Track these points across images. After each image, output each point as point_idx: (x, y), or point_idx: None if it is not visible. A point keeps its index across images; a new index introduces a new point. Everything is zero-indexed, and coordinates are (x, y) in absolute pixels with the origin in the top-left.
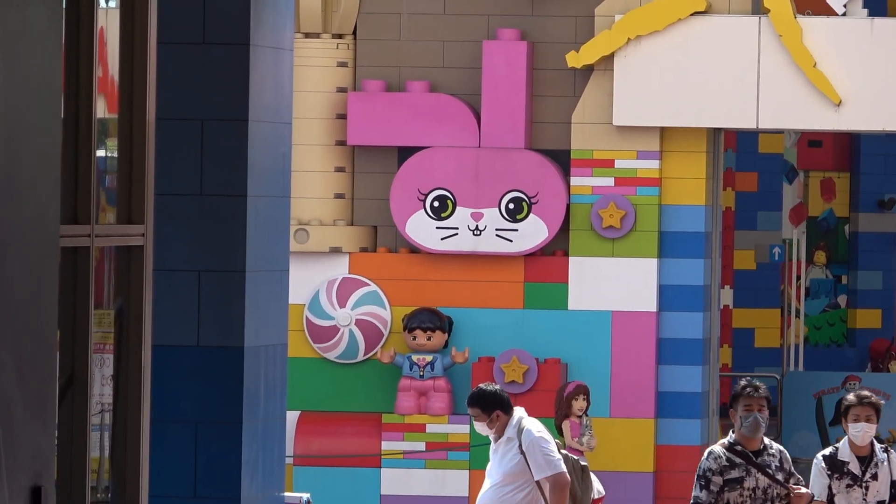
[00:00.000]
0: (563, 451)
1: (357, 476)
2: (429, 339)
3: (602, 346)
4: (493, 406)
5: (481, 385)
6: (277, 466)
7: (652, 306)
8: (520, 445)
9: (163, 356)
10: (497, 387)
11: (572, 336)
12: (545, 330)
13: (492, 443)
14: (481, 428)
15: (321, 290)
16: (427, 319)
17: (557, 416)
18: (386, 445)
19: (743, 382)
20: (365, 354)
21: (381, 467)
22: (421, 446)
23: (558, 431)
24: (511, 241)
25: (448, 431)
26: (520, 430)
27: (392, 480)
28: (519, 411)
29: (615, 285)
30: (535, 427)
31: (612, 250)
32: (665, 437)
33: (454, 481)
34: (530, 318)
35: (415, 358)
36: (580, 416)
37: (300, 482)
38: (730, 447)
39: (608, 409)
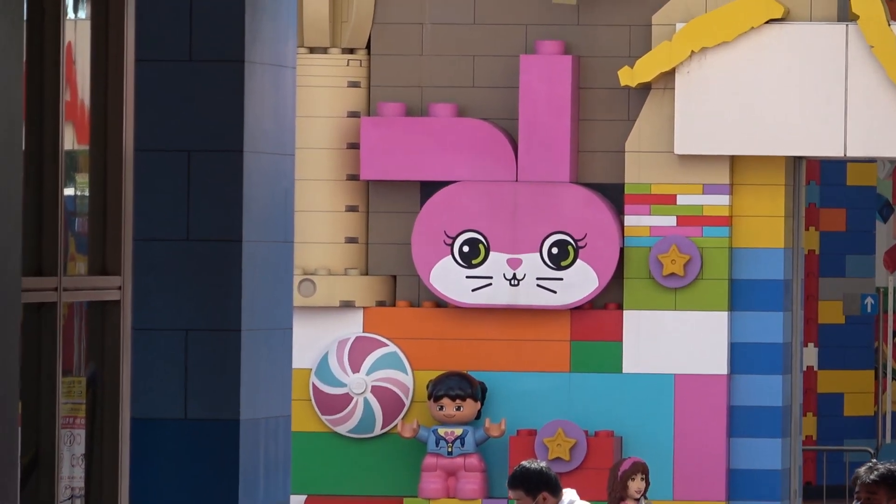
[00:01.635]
0: None
1: None
2: (458, 408)
3: (663, 415)
4: (539, 487)
5: (524, 462)
6: None
7: (722, 368)
8: None
9: (144, 432)
10: (543, 464)
11: (628, 404)
12: (596, 397)
13: None
14: None
15: (331, 351)
16: (456, 386)
17: (611, 498)
18: None
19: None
20: (383, 428)
21: None
22: None
23: None
24: (555, 292)
25: None
26: None
27: None
28: (569, 494)
29: (678, 344)
30: None
31: (674, 302)
32: None
33: None
34: (578, 383)
35: (442, 431)
36: (637, 500)
37: None
38: None
39: (671, 490)
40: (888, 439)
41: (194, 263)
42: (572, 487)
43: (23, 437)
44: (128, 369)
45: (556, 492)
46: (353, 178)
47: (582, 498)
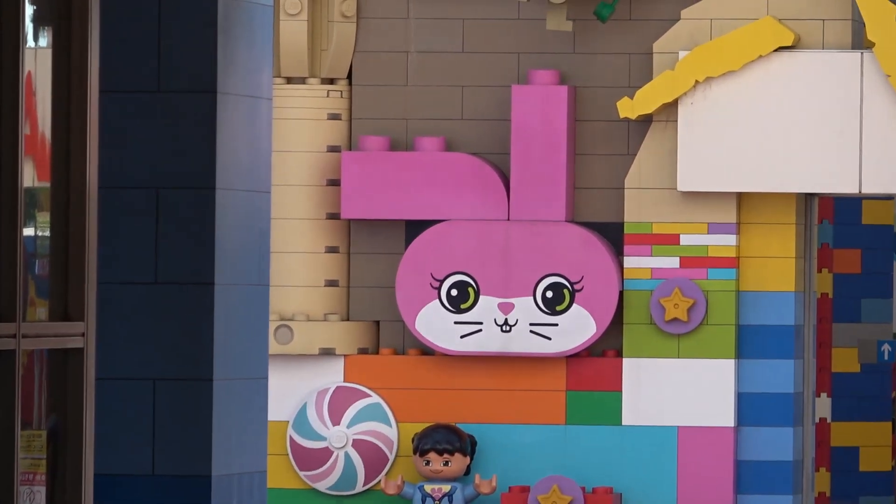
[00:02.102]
0: None
1: None
2: (446, 463)
3: (666, 471)
4: None
5: None
6: None
7: (729, 420)
8: None
9: (108, 489)
10: None
11: (628, 459)
12: (593, 451)
13: None
14: None
15: (309, 402)
16: (443, 439)
17: None
18: None
19: None
20: (365, 484)
21: None
22: None
23: None
24: (549, 338)
25: None
26: None
27: None
28: None
29: (682, 394)
30: None
31: (677, 349)
32: None
33: None
34: (574, 435)
35: (429, 488)
36: None
37: None
38: None
39: None
40: None
41: (163, 308)
42: None
43: None
44: (91, 422)
45: None
46: (334, 216)
47: None
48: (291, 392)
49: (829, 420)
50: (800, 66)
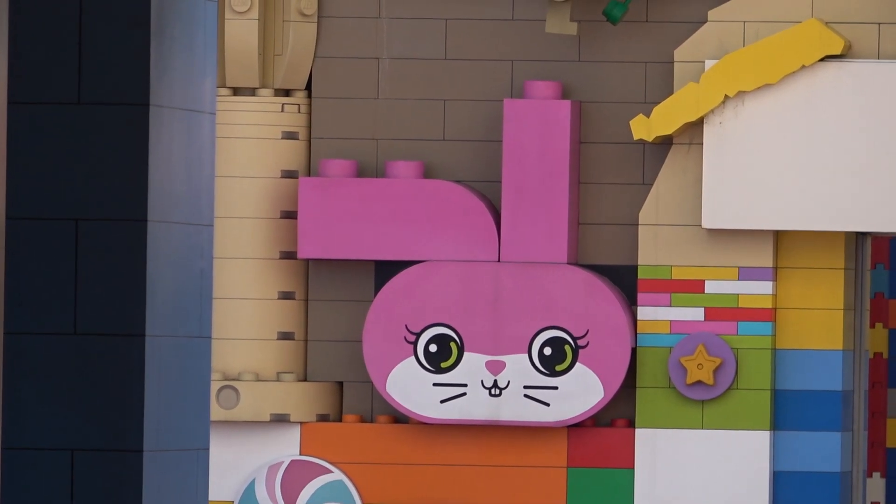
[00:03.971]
0: None
1: None
2: None
3: None
4: None
5: None
6: None
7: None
8: None
9: None
10: None
11: None
12: None
13: None
14: None
15: (258, 479)
16: None
17: None
18: None
19: None
20: None
21: None
22: None
23: None
24: (548, 404)
25: None
26: None
27: None
28: None
29: (706, 472)
30: None
31: (700, 419)
32: None
33: None
34: None
35: None
36: None
37: None
38: None
39: None
40: None
41: (83, 364)
42: None
43: None
44: None
45: None
46: (289, 255)
47: None
48: (237, 466)
49: None
50: (850, 79)
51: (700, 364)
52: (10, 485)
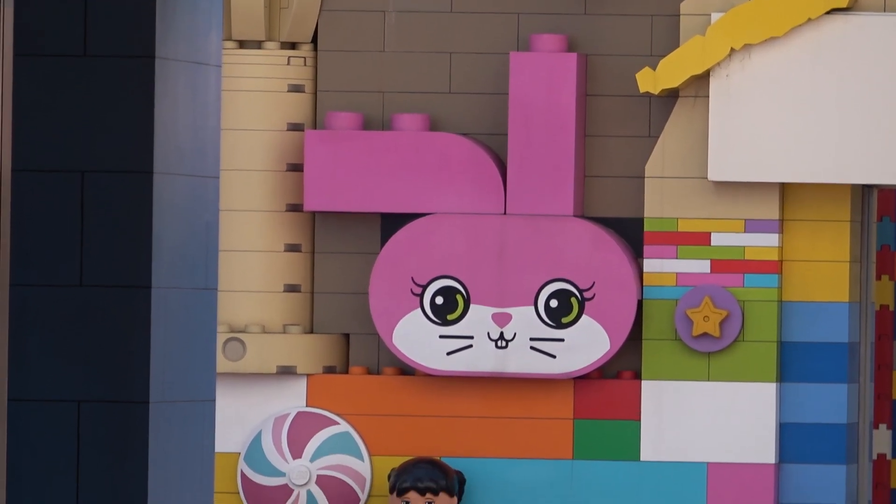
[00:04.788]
0: None
1: None
2: None
3: None
4: None
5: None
6: None
7: (769, 456)
8: None
9: None
10: None
11: (647, 501)
12: (606, 492)
13: None
14: None
15: (265, 431)
16: (426, 476)
17: None
18: None
19: None
20: None
21: None
22: None
23: None
24: (554, 356)
25: None
26: None
27: None
28: None
29: (712, 424)
30: None
31: (707, 371)
32: None
33: None
34: (583, 473)
35: None
36: None
37: None
38: None
39: None
40: None
41: (89, 316)
42: None
43: None
44: (2, 452)
45: None
46: (295, 208)
47: None
48: (243, 418)
49: (888, 457)
50: (857, 32)
51: (706, 316)
52: (16, 436)
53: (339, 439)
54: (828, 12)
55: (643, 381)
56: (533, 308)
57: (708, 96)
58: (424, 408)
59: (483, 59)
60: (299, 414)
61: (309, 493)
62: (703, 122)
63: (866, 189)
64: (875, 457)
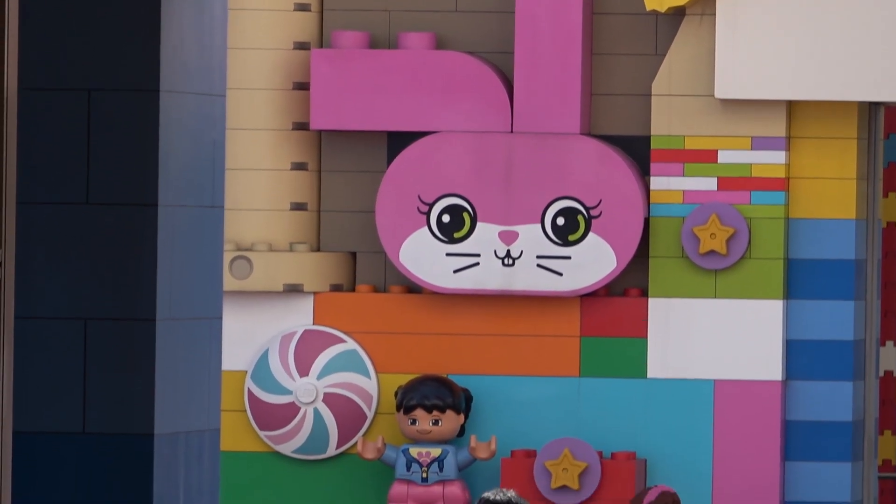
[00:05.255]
0: None
1: None
2: (436, 422)
3: (699, 433)
4: None
5: (486, 494)
6: None
7: (776, 373)
8: None
9: (30, 449)
10: (511, 493)
11: (654, 418)
12: (613, 409)
13: None
14: None
15: (272, 349)
16: (433, 394)
17: None
18: None
19: None
20: (338, 447)
21: None
22: None
23: None
24: (561, 274)
25: None
26: None
27: None
28: None
29: (719, 341)
30: None
31: (713, 288)
32: None
33: None
34: (590, 390)
35: (414, 452)
36: None
37: None
38: None
39: None
40: None
41: (96, 234)
42: None
43: None
44: (10, 369)
45: None
46: (302, 127)
47: None
48: (250, 336)
49: (895, 374)
50: None
51: (713, 233)
52: (23, 354)
53: (346, 357)
54: None
55: (650, 299)
56: (540, 226)
57: (714, 14)
58: (431, 326)
59: None
60: (306, 332)
61: (316, 411)
62: (710, 40)
63: (873, 106)
64: (882, 374)
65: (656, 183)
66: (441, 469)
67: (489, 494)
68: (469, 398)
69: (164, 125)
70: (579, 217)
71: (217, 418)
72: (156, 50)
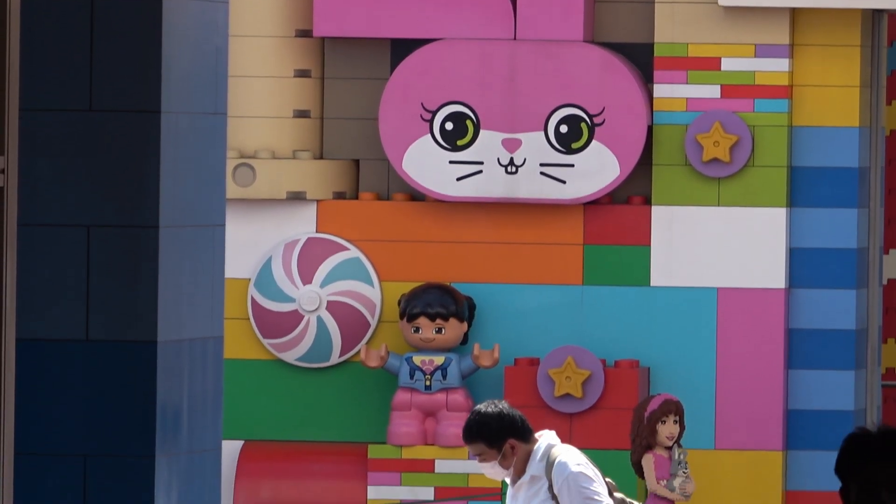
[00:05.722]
0: (619, 494)
1: None
2: (439, 331)
3: (702, 341)
4: (503, 434)
5: (478, 407)
6: None
7: (779, 281)
8: (550, 487)
9: (33, 356)
10: (503, 405)
11: (657, 326)
12: (616, 317)
13: (509, 486)
14: (492, 470)
15: (275, 257)
16: (436, 302)
17: (635, 446)
18: (374, 493)
19: None
20: (341, 355)
21: None
22: (429, 494)
23: (636, 470)
24: (564, 182)
25: (468, 471)
26: (549, 465)
27: None
28: (547, 437)
29: (722, 249)
30: (573, 458)
31: (717, 196)
32: (800, 480)
33: None
34: (593, 298)
35: (418, 360)
36: (669, 448)
37: None
38: None
39: (712, 436)
40: None
41: (99, 141)
42: (584, 431)
43: None
44: (13, 276)
45: (526, 436)
46: (305, 33)
47: (598, 446)
48: (253, 244)
49: None
50: None
51: (716, 141)
52: (26, 261)
53: (349, 265)
54: None
55: (653, 207)
56: (543, 133)
57: None
58: (434, 234)
59: None
60: (309, 240)
61: (319, 319)
62: None
63: (877, 13)
64: (885, 282)
65: (660, 90)
66: (444, 377)
67: (481, 407)
68: (472, 306)
69: (167, 31)
70: (582, 125)
71: (220, 326)
72: None
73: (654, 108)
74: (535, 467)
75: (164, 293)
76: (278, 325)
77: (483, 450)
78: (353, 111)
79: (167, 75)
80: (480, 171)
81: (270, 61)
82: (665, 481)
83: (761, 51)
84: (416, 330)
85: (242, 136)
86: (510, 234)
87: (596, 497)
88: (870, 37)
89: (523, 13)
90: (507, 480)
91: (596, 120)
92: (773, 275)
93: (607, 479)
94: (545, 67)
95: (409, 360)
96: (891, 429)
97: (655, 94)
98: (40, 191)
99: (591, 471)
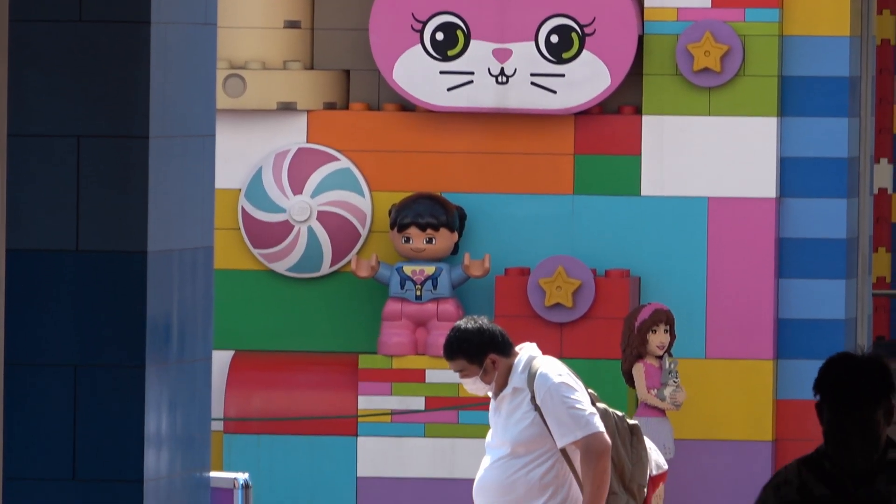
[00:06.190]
0: (601, 405)
1: (321, 448)
2: (429, 240)
3: (693, 250)
4: (484, 349)
5: (458, 323)
6: (199, 433)
7: (769, 190)
8: (532, 398)
9: (23, 267)
10: (483, 320)
11: (648, 236)
12: (607, 226)
13: (491, 400)
14: (473, 385)
15: (265, 167)
16: (426, 212)
17: (626, 355)
18: (365, 402)
19: None
20: (332, 265)
21: (357, 435)
22: (419, 403)
23: (627, 379)
24: (554, 91)
25: (459, 381)
26: (531, 376)
27: (374, 455)
28: (528, 349)
29: (713, 158)
30: (554, 369)
31: (707, 105)
32: (790, 389)
33: (467, 455)
34: (584, 208)
35: (408, 270)
36: (660, 357)
37: (235, 457)
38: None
39: (703, 346)
40: None
41: (87, 51)
42: (574, 340)
43: None
44: (2, 187)
45: (507, 350)
46: None
47: (588, 356)
48: (244, 154)
49: (889, 191)
50: None
51: (707, 51)
52: (15, 170)
53: (340, 175)
54: None
55: (644, 116)
56: (533, 43)
57: None
58: (425, 143)
59: None
60: (300, 150)
61: (310, 229)
62: None
63: None
64: (876, 191)
65: (650, 0)
66: (435, 287)
67: (461, 323)
68: (463, 216)
69: None
70: (573, 34)
71: (210, 236)
72: None
73: (644, 18)
74: (516, 380)
75: (153, 203)
76: (269, 235)
77: (464, 366)
78: (344, 21)
79: None
80: (471, 82)
81: None
82: (655, 390)
83: None
84: (407, 240)
85: (232, 47)
86: (501, 144)
87: (578, 405)
88: None
89: None
90: (490, 394)
91: (587, 30)
92: (764, 184)
93: (589, 391)
94: None
95: (399, 269)
96: (874, 355)
97: (646, 4)
98: (30, 101)
99: (573, 381)
